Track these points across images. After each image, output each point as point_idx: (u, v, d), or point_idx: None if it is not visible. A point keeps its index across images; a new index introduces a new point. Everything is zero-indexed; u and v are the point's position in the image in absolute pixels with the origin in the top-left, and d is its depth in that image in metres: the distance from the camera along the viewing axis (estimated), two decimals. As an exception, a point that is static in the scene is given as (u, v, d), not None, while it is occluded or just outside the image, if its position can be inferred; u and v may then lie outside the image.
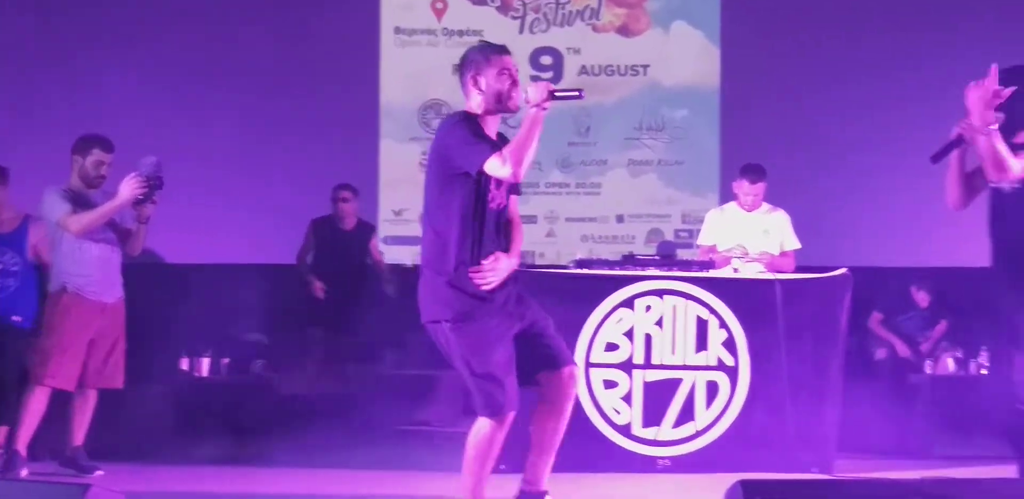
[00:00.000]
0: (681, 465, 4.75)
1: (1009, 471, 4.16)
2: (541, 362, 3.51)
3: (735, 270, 5.16)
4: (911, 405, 5.70)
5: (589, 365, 4.74)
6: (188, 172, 6.58)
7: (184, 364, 6.27)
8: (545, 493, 3.63)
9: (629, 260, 4.99)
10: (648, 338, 4.79)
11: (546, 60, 7.53)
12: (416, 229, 7.41)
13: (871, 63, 7.31)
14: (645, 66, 7.54)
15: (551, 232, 7.46)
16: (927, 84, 7.15)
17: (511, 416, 3.43)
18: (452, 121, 3.49)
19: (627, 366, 4.78)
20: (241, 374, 6.46)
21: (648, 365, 4.79)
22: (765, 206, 5.74)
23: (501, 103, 3.46)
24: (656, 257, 5.09)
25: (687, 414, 4.80)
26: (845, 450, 5.04)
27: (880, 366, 6.66)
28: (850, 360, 5.26)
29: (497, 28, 7.49)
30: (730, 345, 4.83)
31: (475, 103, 3.49)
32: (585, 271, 4.83)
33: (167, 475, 4.80)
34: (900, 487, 2.34)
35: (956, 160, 3.76)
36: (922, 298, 6.78)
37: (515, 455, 3.83)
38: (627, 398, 4.78)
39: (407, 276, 7.27)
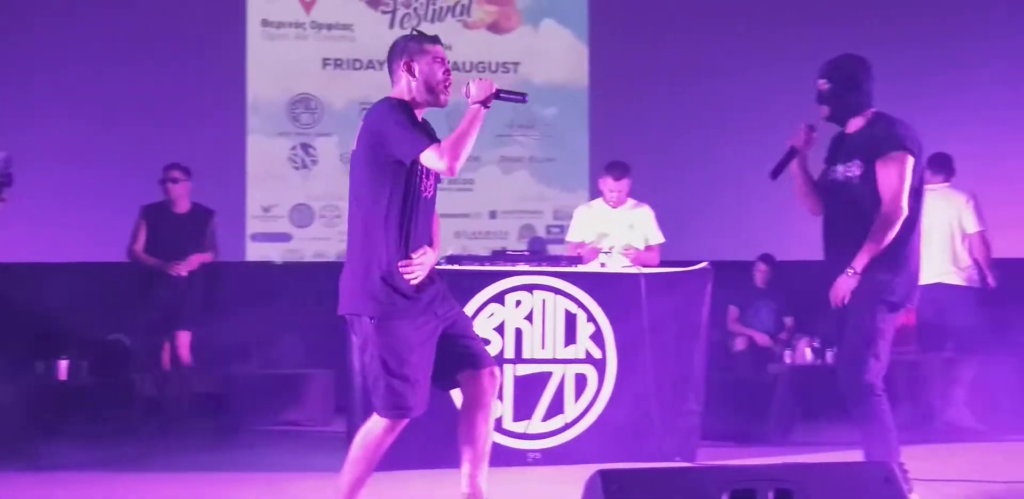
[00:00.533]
0: (551, 458, 4.81)
1: (860, 456, 4.36)
2: (462, 362, 3.39)
3: (602, 265, 5.25)
4: (771, 394, 5.89)
5: (460, 360, 4.75)
6: (45, 169, 6.36)
7: (39, 367, 6.04)
8: None
9: (499, 256, 5.03)
10: (518, 332, 4.84)
11: (417, 56, 7.51)
12: (284, 226, 7.33)
13: (735, 62, 7.53)
14: (516, 63, 7.60)
15: (425, 228, 7.44)
16: (787, 83, 7.39)
17: (406, 422, 3.33)
18: (385, 106, 3.35)
19: (498, 361, 4.78)
20: (102, 376, 6.26)
21: (519, 359, 4.84)
22: (630, 202, 5.86)
23: (433, 93, 3.38)
24: (526, 253, 5.14)
25: (557, 407, 4.86)
26: (709, 439, 5.19)
27: (740, 357, 6.90)
28: (712, 351, 5.42)
29: (367, 22, 7.44)
30: (598, 338, 4.92)
31: (404, 91, 3.39)
32: (455, 267, 4.84)
33: (25, 482, 4.62)
34: (753, 473, 2.44)
35: (799, 170, 3.90)
36: (761, 272, 7.06)
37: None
38: (498, 393, 4.81)
39: (277, 274, 7.20)
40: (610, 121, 7.52)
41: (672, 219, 6.21)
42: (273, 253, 7.30)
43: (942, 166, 6.18)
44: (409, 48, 3.38)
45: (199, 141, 7.04)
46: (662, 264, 5.52)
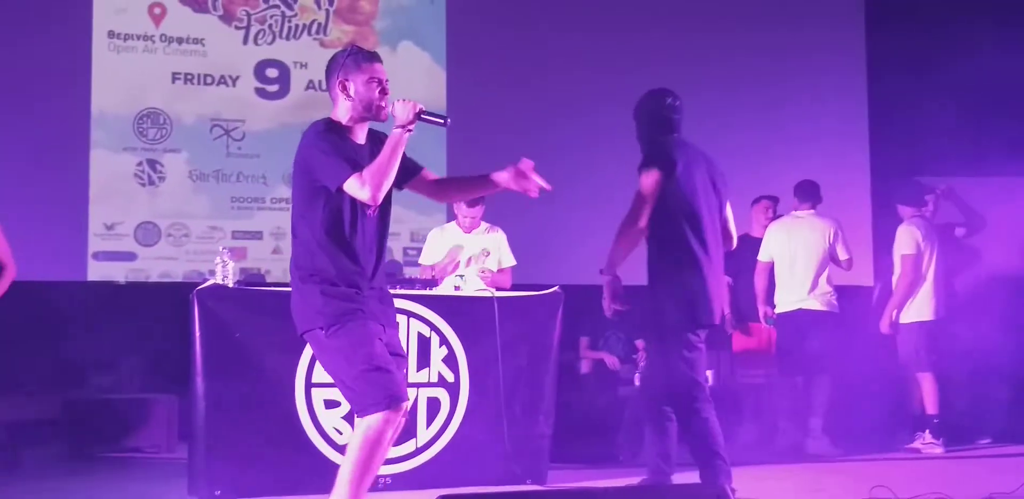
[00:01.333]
0: (402, 482, 4.76)
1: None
2: None
3: (456, 287, 5.25)
4: (620, 416, 5.98)
5: (310, 385, 4.66)
6: None
7: None
8: None
9: (351, 278, 4.95)
10: (370, 356, 4.77)
11: (272, 73, 7.40)
12: (129, 244, 7.07)
13: (592, 89, 7.68)
14: (373, 84, 7.55)
15: (278, 249, 7.31)
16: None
17: (404, 408, 3.30)
18: (315, 131, 3.36)
19: (348, 385, 4.74)
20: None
21: (370, 383, 4.77)
22: (484, 225, 5.89)
23: (370, 111, 3.39)
24: (377, 275, 5.07)
25: (408, 431, 4.80)
26: (560, 461, 5.23)
27: (587, 380, 6.98)
28: (563, 374, 5.47)
29: (220, 37, 7.29)
30: (451, 362, 4.90)
31: (342, 110, 3.41)
32: (306, 289, 4.74)
33: None
34: (591, 495, 2.46)
35: None
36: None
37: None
38: (349, 417, 4.71)
39: (120, 294, 6.94)
40: (468, 145, 7.54)
41: (526, 242, 6.27)
42: (116, 272, 7.03)
43: (807, 194, 6.37)
44: (345, 66, 3.39)
45: (40, 154, 6.74)
46: (514, 287, 5.56)
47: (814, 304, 6.18)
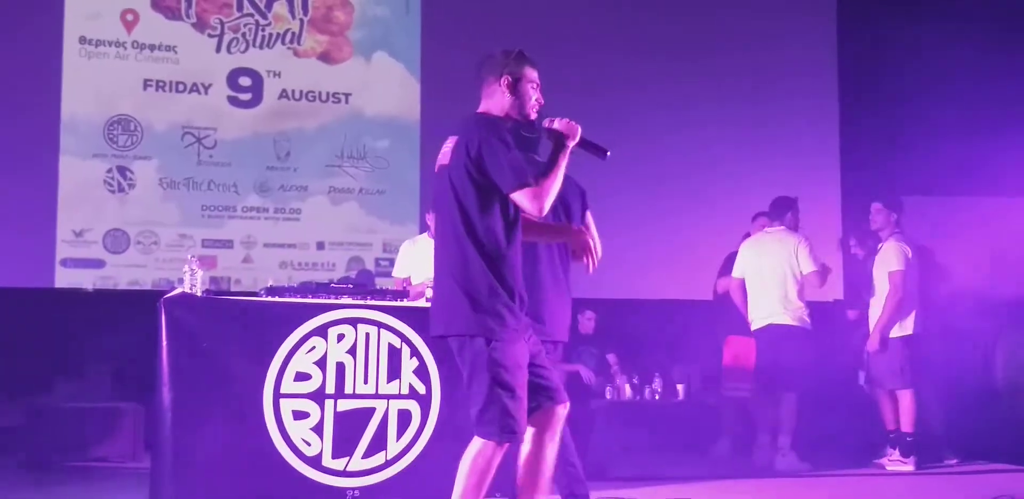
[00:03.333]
0: (371, 495, 4.70)
1: (677, 490, 4.45)
2: (537, 394, 3.34)
3: (428, 299, 5.21)
4: (590, 429, 5.96)
5: (278, 395, 4.61)
6: None
7: None
8: None
9: (322, 288, 4.92)
10: (340, 367, 4.73)
11: (245, 82, 7.36)
12: (98, 252, 7.00)
13: (564, 97, 7.68)
14: (347, 94, 7.54)
15: (248, 258, 7.27)
16: (616, 118, 7.63)
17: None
18: (488, 124, 3.31)
19: (318, 396, 4.70)
20: None
21: (340, 394, 4.73)
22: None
23: (523, 112, 3.39)
24: (350, 286, 5.04)
25: (379, 444, 4.77)
26: (530, 474, 5.20)
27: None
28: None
29: (192, 45, 7.25)
30: (422, 373, 4.86)
31: (497, 107, 3.39)
32: (276, 299, 4.71)
33: None
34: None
35: None
36: (587, 319, 7.15)
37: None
38: (318, 429, 4.69)
39: (88, 302, 6.85)
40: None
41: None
42: (85, 280, 6.95)
43: (777, 210, 6.38)
44: (512, 65, 3.40)
45: (8, 159, 6.68)
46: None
47: (785, 319, 6.18)
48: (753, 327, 6.31)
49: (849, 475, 5.91)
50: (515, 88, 3.39)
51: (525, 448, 3.38)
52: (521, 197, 3.21)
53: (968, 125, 7.52)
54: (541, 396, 3.35)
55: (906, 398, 6.07)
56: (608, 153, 3.47)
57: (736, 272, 6.39)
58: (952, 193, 7.48)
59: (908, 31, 7.66)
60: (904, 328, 6.13)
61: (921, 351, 6.16)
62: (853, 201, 7.84)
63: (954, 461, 6.27)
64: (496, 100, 3.40)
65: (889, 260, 6.14)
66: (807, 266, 6.23)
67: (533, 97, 3.41)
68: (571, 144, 3.35)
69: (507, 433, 3.24)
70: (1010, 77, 7.51)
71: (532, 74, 3.43)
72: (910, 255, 6.15)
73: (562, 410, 3.40)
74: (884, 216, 6.28)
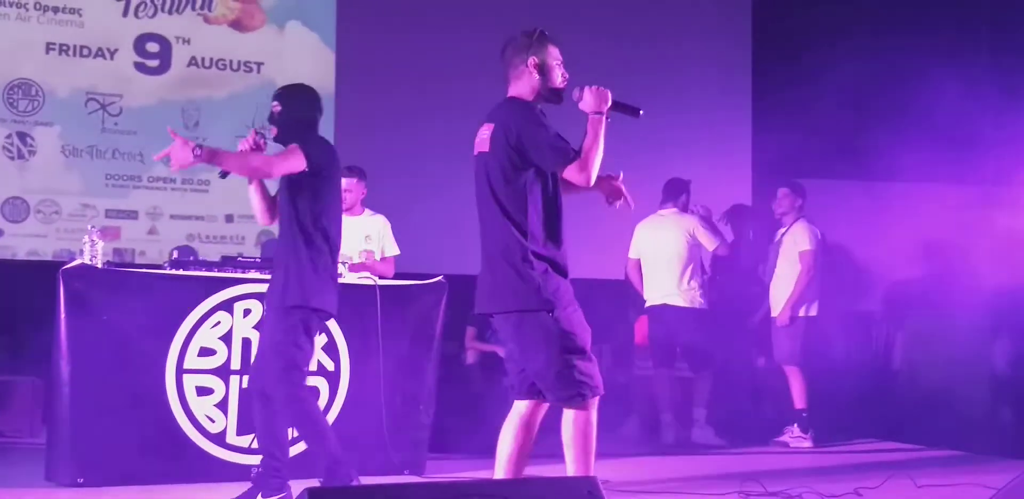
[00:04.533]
0: (276, 472, 4.64)
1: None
2: None
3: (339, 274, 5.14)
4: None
5: (181, 371, 4.52)
6: None
7: None
8: None
9: (229, 262, 4.82)
10: (246, 342, 4.66)
11: (152, 47, 7.13)
12: (-5, 221, 6.76)
13: (484, 68, 7.62)
14: (259, 63, 7.36)
15: (153, 229, 7.07)
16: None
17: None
18: (525, 108, 3.44)
19: (223, 372, 4.62)
20: None
21: (246, 370, 4.65)
22: (367, 211, 5.80)
23: (552, 92, 3.49)
24: (257, 259, 4.95)
25: (285, 420, 4.71)
26: (441, 452, 5.20)
27: (472, 370, 6.95)
28: (447, 364, 5.42)
29: (98, 8, 6.99)
30: (331, 350, 4.81)
31: (526, 88, 3.50)
32: (180, 272, 4.59)
33: None
34: (461, 488, 2.44)
35: None
36: None
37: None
38: (222, 405, 4.62)
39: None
40: (356, 126, 7.42)
41: (412, 230, 6.20)
42: (-19, 250, 6.70)
43: (670, 192, 6.48)
44: (534, 47, 3.50)
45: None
46: (398, 276, 5.48)
47: (678, 300, 6.29)
48: (647, 304, 6.42)
49: (756, 453, 6.03)
50: (542, 68, 3.50)
51: (515, 421, 3.55)
52: (569, 172, 3.38)
53: (871, 110, 7.68)
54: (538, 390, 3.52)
55: (795, 375, 6.25)
56: (641, 112, 3.54)
57: (632, 252, 6.50)
58: (858, 177, 7.64)
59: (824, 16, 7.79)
60: (808, 309, 6.29)
61: (822, 333, 6.32)
62: (763, 184, 7.96)
63: (865, 439, 6.39)
64: (525, 81, 3.52)
65: (800, 241, 6.28)
66: (709, 243, 6.35)
67: (559, 72, 3.52)
68: (605, 109, 3.44)
69: (590, 392, 3.40)
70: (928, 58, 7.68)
71: (555, 52, 3.54)
72: (819, 236, 6.30)
73: (545, 406, 3.58)
74: (790, 201, 6.43)
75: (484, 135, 3.50)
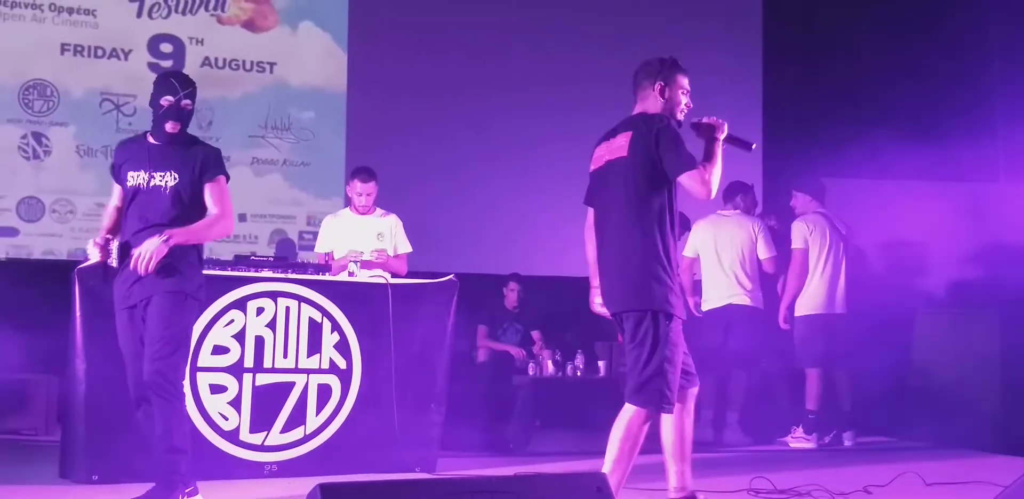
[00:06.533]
0: (289, 470, 4.69)
1: (597, 464, 4.50)
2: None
3: (350, 274, 5.18)
4: (512, 405, 6.00)
5: (195, 369, 4.56)
6: None
7: None
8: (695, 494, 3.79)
9: (242, 261, 4.85)
10: (259, 341, 4.69)
11: (166, 48, 7.19)
12: (11, 220, 6.82)
13: (494, 73, 7.68)
14: (272, 64, 7.42)
15: (167, 228, 7.11)
16: (543, 97, 7.63)
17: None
18: (662, 121, 3.64)
19: (236, 370, 4.65)
20: None
21: (259, 369, 4.69)
22: (378, 211, 5.83)
23: (672, 116, 3.70)
24: (270, 258, 4.98)
25: (298, 418, 4.75)
26: (452, 449, 5.22)
27: (484, 368, 6.99)
28: (458, 363, 5.44)
29: (112, 9, 7.06)
30: (343, 348, 4.84)
31: (652, 108, 3.72)
32: (194, 271, 4.62)
33: None
34: (472, 484, 2.46)
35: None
36: (511, 291, 7.21)
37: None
38: (235, 403, 4.65)
39: (1, 270, 6.66)
40: (368, 128, 7.46)
41: (423, 230, 6.24)
42: (-1, 248, 6.77)
43: (730, 193, 6.42)
44: (664, 73, 3.73)
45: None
46: (409, 275, 5.51)
47: (744, 300, 6.26)
48: (707, 307, 6.36)
49: (768, 451, 6.04)
50: (666, 93, 3.73)
51: (671, 421, 3.73)
52: (691, 180, 3.57)
53: (886, 111, 7.68)
54: (682, 378, 3.71)
55: (812, 377, 6.23)
56: (754, 146, 3.82)
57: (688, 251, 6.42)
58: (868, 176, 7.64)
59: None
60: (811, 306, 6.25)
61: (834, 330, 6.28)
62: (774, 180, 7.96)
63: (851, 439, 6.35)
64: (650, 103, 3.74)
65: (793, 238, 6.29)
66: (765, 252, 6.33)
67: (683, 102, 3.74)
68: (720, 137, 3.67)
69: (667, 405, 3.60)
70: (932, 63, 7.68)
71: (683, 81, 3.76)
72: (809, 235, 6.26)
73: (695, 391, 3.81)
74: (803, 202, 6.43)
75: (622, 142, 3.69)
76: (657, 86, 3.73)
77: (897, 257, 7.66)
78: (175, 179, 3.88)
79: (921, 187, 7.55)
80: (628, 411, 3.60)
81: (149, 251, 3.69)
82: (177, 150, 3.94)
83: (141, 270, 3.70)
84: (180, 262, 3.82)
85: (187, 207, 3.89)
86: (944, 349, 6.92)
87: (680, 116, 3.74)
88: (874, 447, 6.24)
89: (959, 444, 6.09)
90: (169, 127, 3.92)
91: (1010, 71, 7.79)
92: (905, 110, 7.45)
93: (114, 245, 3.97)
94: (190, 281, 3.86)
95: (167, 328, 3.76)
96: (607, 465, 3.57)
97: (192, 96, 3.96)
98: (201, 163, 3.91)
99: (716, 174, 3.60)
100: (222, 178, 3.94)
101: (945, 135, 7.28)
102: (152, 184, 3.89)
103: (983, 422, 6.40)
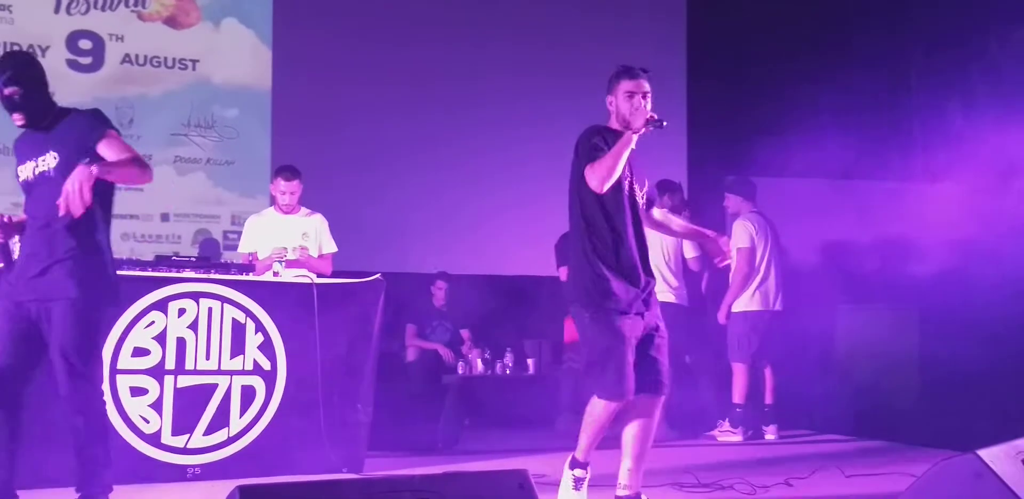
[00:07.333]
0: (212, 472, 4.63)
1: (524, 462, 4.51)
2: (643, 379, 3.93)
3: (275, 274, 5.13)
4: (442, 404, 5.99)
5: (115, 372, 4.48)
6: None
7: None
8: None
9: (163, 261, 4.78)
10: (181, 342, 4.63)
11: (85, 44, 7.05)
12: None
13: (425, 67, 7.66)
14: (194, 61, 7.31)
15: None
16: (481, 90, 7.64)
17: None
18: (585, 133, 3.84)
19: (157, 372, 4.58)
20: None
21: (181, 370, 4.62)
22: (303, 210, 5.79)
23: (625, 122, 3.79)
24: (192, 259, 4.91)
25: (221, 420, 4.69)
26: (380, 449, 5.20)
27: (413, 368, 6.97)
28: (387, 362, 5.41)
29: (29, 4, 6.90)
30: (267, 349, 4.80)
31: (613, 119, 3.90)
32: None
33: None
34: (393, 484, 2.46)
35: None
36: (439, 289, 7.22)
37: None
38: (157, 405, 4.58)
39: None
40: (293, 125, 7.39)
41: (349, 228, 6.20)
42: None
43: (660, 192, 6.46)
44: (609, 86, 3.90)
45: None
46: (336, 274, 5.48)
47: (668, 297, 6.31)
48: None
49: (692, 445, 6.12)
50: (613, 104, 3.90)
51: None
52: (586, 174, 3.73)
53: (814, 108, 7.81)
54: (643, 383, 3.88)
55: (738, 371, 6.34)
56: (664, 123, 3.78)
57: None
58: (791, 175, 7.77)
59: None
60: (748, 304, 6.37)
61: (769, 327, 6.40)
62: (699, 179, 8.06)
63: (774, 432, 6.46)
64: (611, 114, 3.92)
65: (736, 238, 6.37)
66: (690, 250, 6.41)
67: (630, 105, 3.84)
68: (632, 132, 3.72)
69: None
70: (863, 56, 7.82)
71: (624, 86, 3.88)
72: (755, 233, 6.38)
73: (658, 401, 4.00)
74: (736, 203, 6.54)
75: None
76: (609, 99, 3.92)
77: (818, 254, 7.81)
78: (56, 158, 3.54)
79: (841, 186, 7.70)
80: (592, 401, 3.87)
81: (75, 183, 3.29)
82: (47, 129, 3.60)
83: (74, 210, 3.31)
84: (84, 268, 3.56)
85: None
86: (863, 343, 7.07)
87: (636, 120, 3.73)
88: (795, 440, 6.36)
89: (877, 436, 6.23)
90: (16, 120, 3.60)
91: (929, 68, 7.97)
92: (826, 109, 7.59)
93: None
94: (95, 289, 3.58)
95: (78, 339, 3.52)
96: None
97: (15, 80, 3.51)
98: (78, 131, 3.53)
99: (600, 167, 3.69)
100: (111, 132, 3.54)
101: (865, 134, 7.43)
102: (38, 172, 3.60)
103: (901, 414, 6.56)
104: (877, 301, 7.36)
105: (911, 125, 8.17)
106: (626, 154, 3.70)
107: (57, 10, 6.97)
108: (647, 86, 3.88)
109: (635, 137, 3.71)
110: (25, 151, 3.71)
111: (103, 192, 3.60)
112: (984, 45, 7.16)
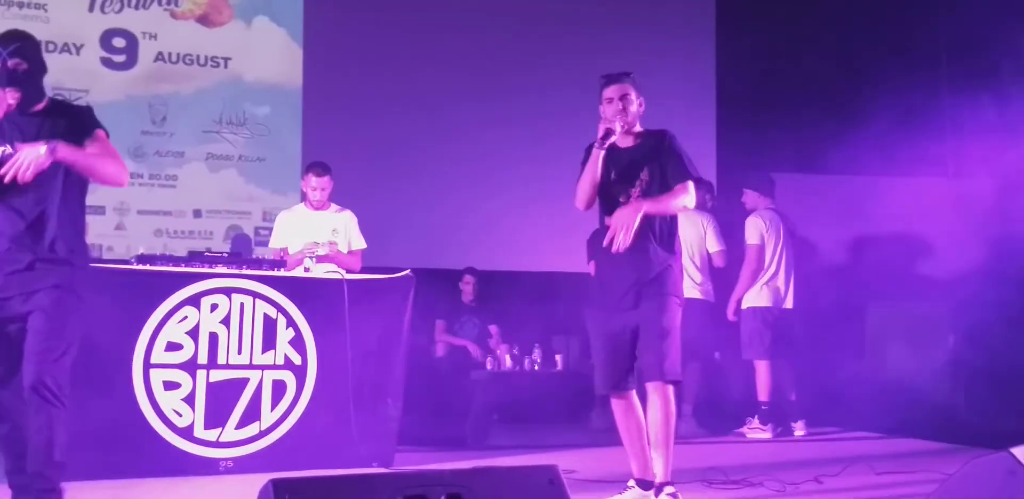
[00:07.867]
0: (244, 466, 4.68)
1: (553, 458, 4.53)
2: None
3: (306, 269, 5.17)
4: (470, 399, 6.02)
5: (148, 366, 4.54)
6: None
7: None
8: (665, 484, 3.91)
9: (196, 257, 4.83)
10: (213, 337, 4.68)
11: (119, 43, 7.12)
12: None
13: (452, 66, 7.68)
14: (227, 59, 7.37)
15: (120, 225, 7.07)
16: (505, 90, 7.64)
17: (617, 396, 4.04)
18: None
19: (190, 366, 4.64)
20: None
21: (213, 365, 4.67)
22: (333, 206, 5.83)
23: (607, 129, 3.86)
24: (224, 254, 4.96)
25: (252, 414, 4.74)
26: (410, 444, 5.24)
27: (442, 363, 7.00)
28: (416, 357, 5.44)
29: (64, 3, 6.99)
30: (298, 344, 4.84)
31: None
32: (147, 267, 4.60)
33: None
34: (424, 478, 2.48)
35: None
36: (466, 284, 7.25)
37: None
38: (189, 399, 4.63)
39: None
40: (324, 123, 7.44)
41: (379, 225, 6.24)
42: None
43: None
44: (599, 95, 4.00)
45: None
46: (366, 270, 5.51)
47: (693, 293, 6.32)
48: None
49: (720, 442, 6.10)
50: (601, 111, 3.99)
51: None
52: None
53: (834, 106, 7.78)
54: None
55: (761, 368, 6.33)
56: (617, 129, 3.86)
57: None
58: (820, 172, 7.73)
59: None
60: (759, 300, 6.35)
61: (781, 324, 6.37)
62: (728, 176, 8.04)
63: (802, 428, 6.42)
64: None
65: (747, 234, 6.38)
66: (714, 245, 6.41)
67: (610, 112, 3.92)
68: (596, 147, 3.86)
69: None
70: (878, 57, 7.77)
71: (605, 92, 3.97)
72: (765, 230, 6.36)
73: (648, 389, 3.93)
74: (753, 198, 6.53)
75: None
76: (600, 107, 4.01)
77: (849, 251, 7.76)
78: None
79: (872, 182, 7.66)
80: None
81: (28, 159, 3.11)
82: (38, 117, 3.35)
83: (20, 177, 3.10)
84: (70, 253, 3.38)
85: (65, 183, 3.34)
86: (895, 341, 7.02)
87: (619, 126, 3.85)
88: (825, 437, 6.33)
89: (909, 434, 6.19)
90: (9, 98, 3.26)
91: (958, 67, 7.91)
92: (856, 107, 7.55)
93: None
94: (79, 277, 3.41)
95: (56, 326, 3.31)
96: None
97: (21, 53, 3.31)
98: (65, 129, 3.32)
99: (577, 188, 3.91)
100: (99, 132, 3.36)
101: (895, 131, 7.38)
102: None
103: (933, 412, 6.51)
104: (909, 298, 7.31)
105: (943, 121, 8.10)
106: (596, 169, 3.87)
107: (91, 9, 7.05)
108: (626, 89, 3.94)
109: (601, 153, 3.84)
110: (4, 132, 3.35)
111: (77, 184, 3.42)
112: (1016, 41, 7.09)
